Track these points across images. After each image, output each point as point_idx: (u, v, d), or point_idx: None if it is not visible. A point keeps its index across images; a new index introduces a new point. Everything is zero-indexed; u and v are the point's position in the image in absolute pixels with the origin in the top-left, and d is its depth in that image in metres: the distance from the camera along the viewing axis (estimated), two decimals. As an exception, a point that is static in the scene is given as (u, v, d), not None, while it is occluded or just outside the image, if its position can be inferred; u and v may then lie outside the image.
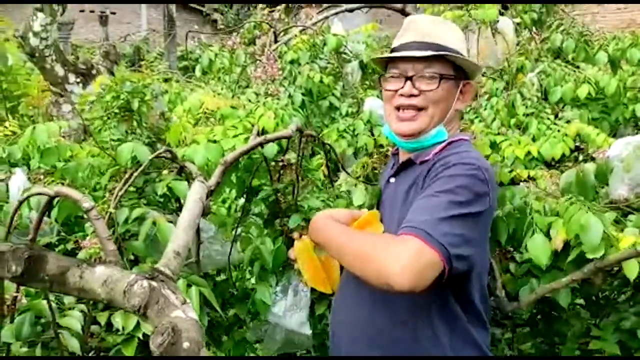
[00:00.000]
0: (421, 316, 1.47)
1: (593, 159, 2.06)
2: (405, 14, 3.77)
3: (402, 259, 1.28)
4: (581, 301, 2.19)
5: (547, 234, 1.74)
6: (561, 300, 1.87)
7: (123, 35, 14.62)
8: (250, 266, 1.99)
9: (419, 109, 1.58)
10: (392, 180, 1.67)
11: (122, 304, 1.09)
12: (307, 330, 1.80)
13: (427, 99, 1.57)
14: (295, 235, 1.72)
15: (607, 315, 2.06)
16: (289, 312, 1.82)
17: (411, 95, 1.57)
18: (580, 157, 2.29)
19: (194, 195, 1.42)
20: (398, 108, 1.60)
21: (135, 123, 3.09)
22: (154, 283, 1.07)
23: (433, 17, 1.70)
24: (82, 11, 15.10)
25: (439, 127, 1.60)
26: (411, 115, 1.59)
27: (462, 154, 1.51)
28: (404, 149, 1.67)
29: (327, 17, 3.52)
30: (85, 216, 1.31)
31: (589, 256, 1.61)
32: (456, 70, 1.60)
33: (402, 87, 1.58)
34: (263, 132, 2.37)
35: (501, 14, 3.11)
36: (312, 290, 1.79)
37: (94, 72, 4.14)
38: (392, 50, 1.65)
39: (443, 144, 1.60)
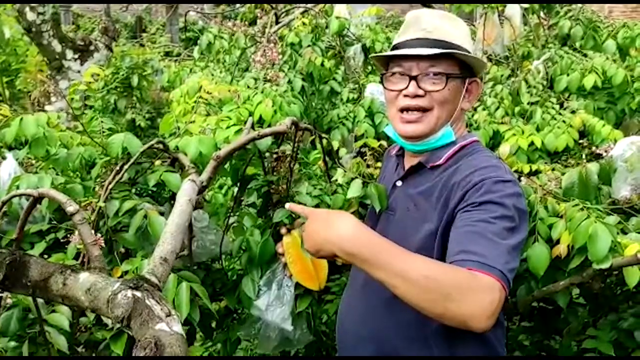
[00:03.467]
0: (437, 330, 1.42)
1: (597, 156, 2.01)
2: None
3: (488, 307, 1.19)
4: (580, 299, 2.16)
5: (548, 237, 1.70)
6: (559, 300, 1.84)
7: (125, 5, 14.41)
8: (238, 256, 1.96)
9: (424, 110, 1.51)
10: (399, 184, 1.61)
11: (106, 313, 1.06)
12: (289, 326, 1.76)
13: (432, 99, 1.50)
14: (283, 230, 1.68)
15: (606, 314, 2.03)
16: (271, 307, 1.78)
17: (416, 96, 1.50)
18: (584, 152, 2.23)
19: (184, 197, 1.37)
20: (402, 110, 1.53)
21: (135, 98, 3.06)
22: (138, 293, 1.03)
23: (437, 12, 1.60)
24: (84, -21, 14.87)
25: (445, 128, 1.54)
26: (416, 117, 1.51)
27: (490, 168, 1.42)
28: (410, 151, 1.61)
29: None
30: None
31: (595, 267, 1.57)
32: (462, 68, 1.52)
33: (407, 87, 1.50)
34: (260, 120, 2.33)
35: (509, -2, 3.03)
36: (297, 285, 1.76)
37: (91, 48, 4.07)
38: (395, 47, 1.56)
39: (455, 148, 1.54)
